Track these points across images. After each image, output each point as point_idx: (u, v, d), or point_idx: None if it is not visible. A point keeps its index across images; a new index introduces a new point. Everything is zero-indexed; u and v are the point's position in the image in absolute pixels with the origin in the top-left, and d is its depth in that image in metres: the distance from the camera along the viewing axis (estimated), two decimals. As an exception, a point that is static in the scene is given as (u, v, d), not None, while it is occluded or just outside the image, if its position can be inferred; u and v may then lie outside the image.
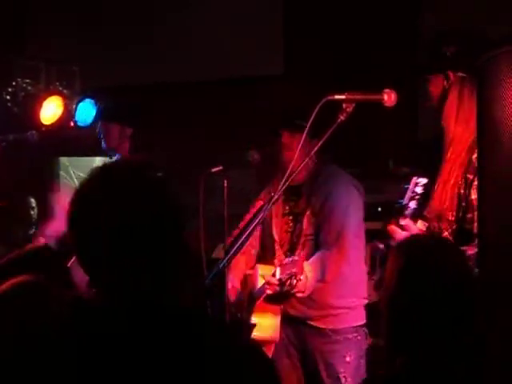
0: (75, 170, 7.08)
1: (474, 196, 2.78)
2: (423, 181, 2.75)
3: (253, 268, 3.78)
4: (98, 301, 1.64)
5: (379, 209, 4.84)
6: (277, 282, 3.32)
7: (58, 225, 2.56)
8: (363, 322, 3.69)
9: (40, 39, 6.55)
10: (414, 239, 2.36)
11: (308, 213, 3.65)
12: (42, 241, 2.63)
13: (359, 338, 3.67)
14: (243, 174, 5.16)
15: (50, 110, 4.68)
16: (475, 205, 2.71)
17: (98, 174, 1.65)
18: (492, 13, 4.80)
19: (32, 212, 6.16)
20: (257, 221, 3.02)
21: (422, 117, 5.50)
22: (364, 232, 3.77)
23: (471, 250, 2.55)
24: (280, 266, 3.35)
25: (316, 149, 2.99)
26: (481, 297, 2.02)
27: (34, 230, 6.12)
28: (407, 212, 2.74)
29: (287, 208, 3.77)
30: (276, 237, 3.77)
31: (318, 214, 3.61)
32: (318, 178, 3.68)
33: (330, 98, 2.89)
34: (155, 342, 1.56)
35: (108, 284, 1.61)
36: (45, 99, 4.67)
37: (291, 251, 3.67)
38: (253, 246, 3.87)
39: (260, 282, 3.60)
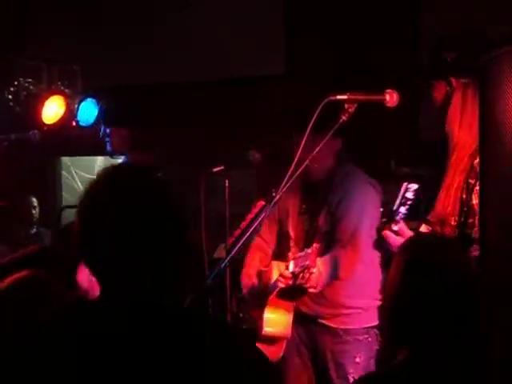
0: (77, 170, 7.08)
1: (475, 201, 2.77)
2: (414, 186, 2.75)
3: (268, 266, 3.77)
4: (98, 300, 1.65)
5: (380, 209, 4.84)
6: (290, 276, 3.29)
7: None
8: (375, 323, 3.63)
9: (40, 39, 6.54)
10: (418, 238, 2.37)
11: (324, 211, 3.62)
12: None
13: (370, 339, 3.63)
14: (244, 173, 5.17)
15: (52, 110, 4.68)
16: (476, 210, 2.71)
17: (105, 176, 1.66)
18: (492, 13, 4.79)
19: (33, 211, 6.16)
20: (257, 221, 3.02)
21: (422, 117, 5.51)
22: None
23: (476, 251, 2.55)
24: (293, 259, 3.32)
25: (317, 149, 2.99)
26: (483, 298, 2.04)
27: (35, 229, 6.13)
28: (398, 217, 2.75)
29: (304, 207, 3.74)
30: (292, 234, 3.75)
31: (334, 213, 3.59)
32: (334, 176, 3.65)
33: (331, 98, 2.89)
34: (155, 342, 1.57)
35: (109, 284, 1.62)
36: (47, 99, 4.66)
37: (306, 248, 3.66)
38: (269, 244, 3.86)
39: (274, 278, 3.58)
